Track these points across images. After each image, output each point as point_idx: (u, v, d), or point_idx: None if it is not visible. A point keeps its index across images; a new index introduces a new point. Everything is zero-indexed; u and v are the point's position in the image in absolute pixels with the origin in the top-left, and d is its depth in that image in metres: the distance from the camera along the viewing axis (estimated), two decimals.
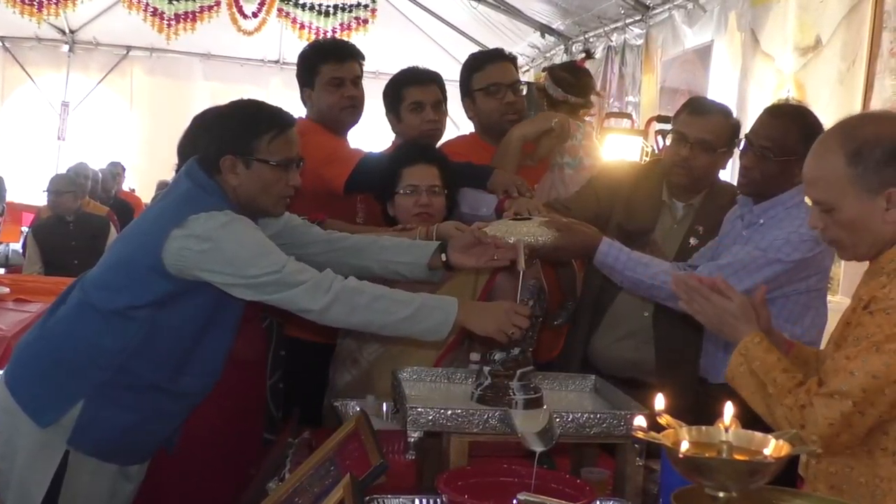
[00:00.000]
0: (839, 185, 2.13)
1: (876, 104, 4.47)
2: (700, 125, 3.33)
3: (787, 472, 3.17)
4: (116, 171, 9.34)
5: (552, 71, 4.16)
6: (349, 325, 2.75)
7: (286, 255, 2.67)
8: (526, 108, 4.02)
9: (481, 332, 2.66)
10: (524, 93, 4.02)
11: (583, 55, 6.69)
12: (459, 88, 3.97)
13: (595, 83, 4.51)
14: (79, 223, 7.43)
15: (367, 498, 2.19)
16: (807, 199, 2.21)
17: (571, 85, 4.03)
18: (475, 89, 3.89)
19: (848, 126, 2.19)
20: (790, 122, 3.07)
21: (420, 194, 3.36)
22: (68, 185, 7.39)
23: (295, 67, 3.94)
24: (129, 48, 11.37)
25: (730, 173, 3.98)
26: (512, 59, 4.03)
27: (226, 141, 2.70)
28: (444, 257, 2.91)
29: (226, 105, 2.86)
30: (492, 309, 2.66)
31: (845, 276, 4.36)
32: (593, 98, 4.23)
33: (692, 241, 3.40)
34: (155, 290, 2.63)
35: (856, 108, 4.58)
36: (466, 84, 3.92)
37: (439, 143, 3.90)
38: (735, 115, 3.55)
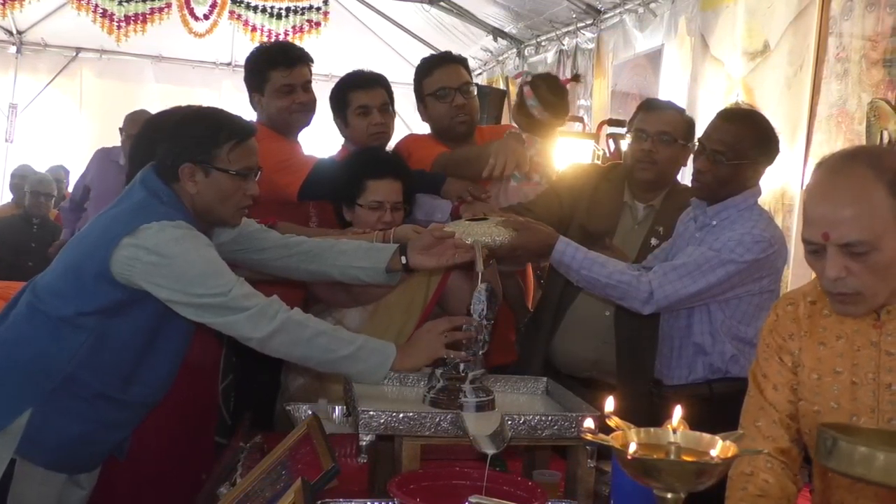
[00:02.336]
0: (883, 221, 1.88)
1: (822, 108, 4.53)
2: (657, 119, 3.45)
3: None
4: (59, 175, 9.23)
5: (538, 90, 3.86)
6: (289, 357, 2.72)
7: (237, 275, 2.64)
8: (478, 110, 4.04)
9: (419, 367, 2.67)
10: (475, 94, 4.00)
11: (572, 75, 6.58)
12: (414, 93, 4.00)
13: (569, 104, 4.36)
14: (42, 227, 7.59)
15: (320, 502, 2.19)
16: (830, 246, 1.91)
17: (555, 107, 3.85)
18: (426, 94, 3.91)
19: (869, 157, 1.96)
20: (743, 126, 3.12)
21: (384, 210, 3.36)
22: (49, 189, 7.66)
23: None
24: (78, 50, 11.22)
25: (681, 175, 4.01)
26: (461, 61, 4.05)
27: (185, 148, 2.67)
28: (403, 259, 2.90)
29: (185, 112, 2.83)
30: (417, 341, 2.68)
31: (794, 278, 4.41)
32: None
33: (653, 241, 3.45)
34: (102, 297, 2.60)
35: (803, 112, 4.65)
36: (418, 89, 3.95)
37: (396, 142, 3.95)
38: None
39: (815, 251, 1.95)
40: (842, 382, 2.07)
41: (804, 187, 4.60)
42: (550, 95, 3.88)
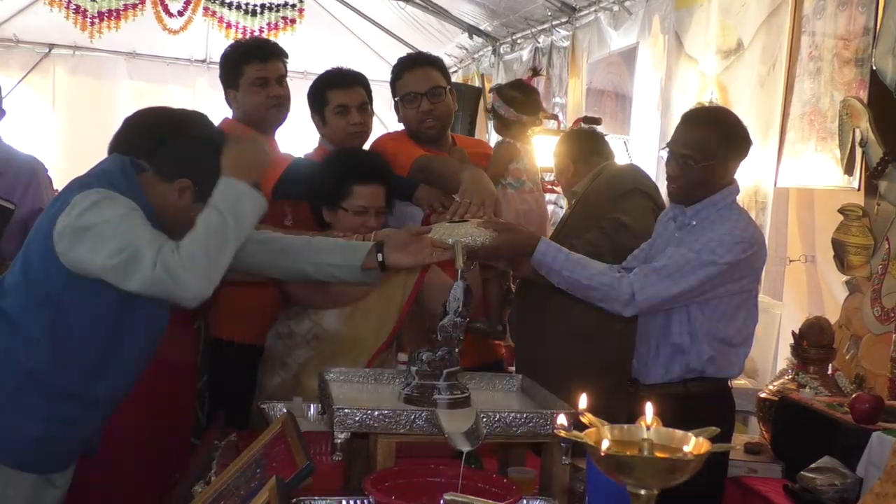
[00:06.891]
0: None
1: (795, 107, 4.56)
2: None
3: (717, 476, 3.22)
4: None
5: (501, 91, 4.14)
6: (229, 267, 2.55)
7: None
8: (452, 109, 3.98)
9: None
10: (446, 96, 3.90)
11: (530, 73, 6.68)
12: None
13: (541, 100, 4.52)
14: None
15: (294, 500, 2.19)
16: None
17: (522, 104, 4.04)
18: (396, 97, 3.90)
19: None
20: (706, 127, 3.12)
21: (369, 216, 3.34)
22: None
23: None
24: (51, 46, 11.13)
25: None
26: (432, 63, 4.00)
27: (196, 168, 2.61)
28: (380, 257, 2.87)
29: (209, 130, 2.79)
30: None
31: (767, 277, 4.44)
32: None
33: None
34: (52, 280, 2.54)
35: (776, 111, 4.67)
36: (392, 92, 3.94)
37: (370, 141, 3.93)
38: (660, 116, 3.60)
39: None
40: None
41: (776, 185, 4.65)
42: (513, 92, 4.10)
